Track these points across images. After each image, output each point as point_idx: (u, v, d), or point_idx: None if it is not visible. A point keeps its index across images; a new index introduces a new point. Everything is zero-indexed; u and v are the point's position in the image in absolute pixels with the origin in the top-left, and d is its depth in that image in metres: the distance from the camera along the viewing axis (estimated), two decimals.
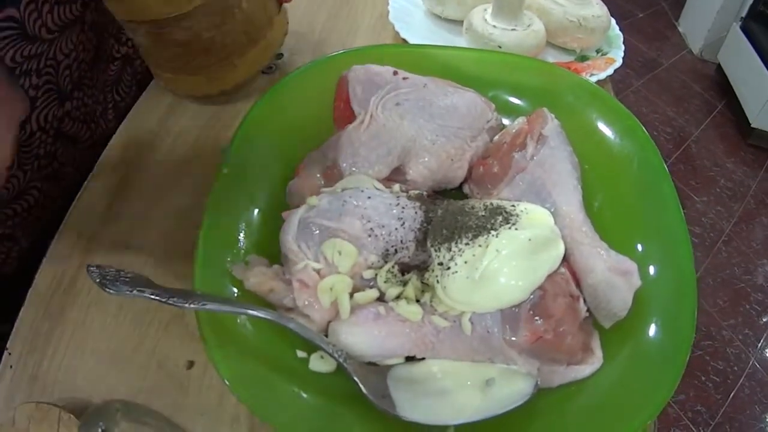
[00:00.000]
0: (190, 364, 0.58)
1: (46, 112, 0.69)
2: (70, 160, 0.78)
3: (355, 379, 0.49)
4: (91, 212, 0.69)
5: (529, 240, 0.51)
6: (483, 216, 0.54)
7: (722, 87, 2.74)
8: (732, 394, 1.81)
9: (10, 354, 0.58)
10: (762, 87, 2.41)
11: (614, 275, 0.53)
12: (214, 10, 0.66)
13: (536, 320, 0.50)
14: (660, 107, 2.69)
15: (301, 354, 0.53)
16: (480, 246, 0.51)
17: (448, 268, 0.51)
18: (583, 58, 0.90)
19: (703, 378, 1.83)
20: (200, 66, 0.73)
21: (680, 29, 3.13)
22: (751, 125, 2.48)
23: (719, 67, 2.76)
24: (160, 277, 0.62)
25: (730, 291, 2.06)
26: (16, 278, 0.67)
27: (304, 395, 0.51)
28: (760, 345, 1.93)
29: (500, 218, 0.54)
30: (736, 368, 1.87)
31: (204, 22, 0.67)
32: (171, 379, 0.57)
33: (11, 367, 0.58)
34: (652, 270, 0.57)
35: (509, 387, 0.50)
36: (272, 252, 0.57)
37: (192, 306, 0.49)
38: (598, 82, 0.84)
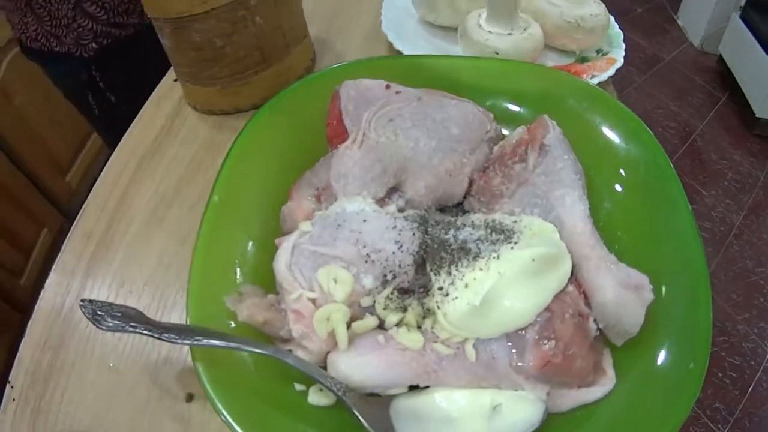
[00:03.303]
0: (190, 397, 0.57)
1: None
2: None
3: (356, 413, 0.47)
4: (88, 240, 0.69)
5: (533, 260, 0.49)
6: (483, 235, 0.52)
7: (725, 78, 2.72)
8: (750, 389, 1.78)
9: (12, 387, 0.58)
10: (765, 76, 2.38)
11: (625, 291, 0.50)
12: (225, 17, 0.71)
13: (544, 344, 0.47)
14: (663, 102, 2.66)
15: (299, 387, 0.51)
16: (481, 269, 0.49)
17: (448, 294, 0.49)
18: (583, 60, 0.88)
19: (720, 375, 1.80)
20: (214, 76, 0.77)
21: (680, 22, 3.10)
22: (756, 115, 2.46)
23: (721, 59, 2.74)
24: (156, 309, 0.62)
25: (743, 284, 2.03)
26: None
27: (304, 430, 0.49)
28: None
29: (501, 237, 0.51)
30: (752, 362, 1.84)
31: (216, 28, 0.72)
32: (171, 412, 0.56)
33: (14, 400, 0.58)
34: (664, 282, 0.55)
35: (517, 414, 0.48)
36: (269, 280, 0.55)
37: (185, 342, 0.48)
38: (600, 83, 0.82)
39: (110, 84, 1.16)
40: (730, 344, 1.88)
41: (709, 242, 2.14)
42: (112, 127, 1.10)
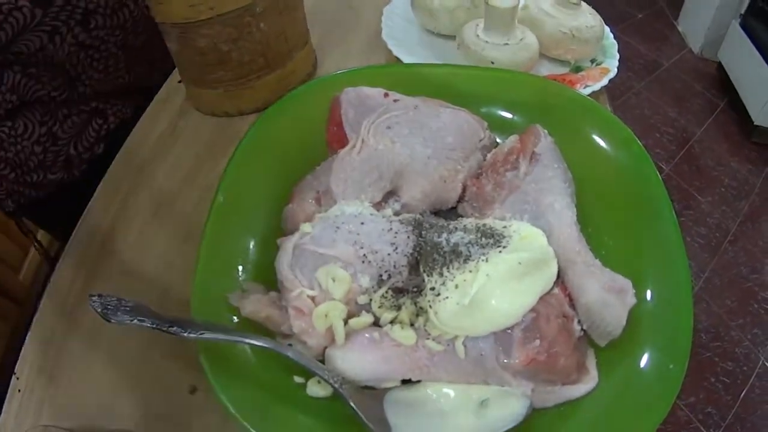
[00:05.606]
0: (193, 389, 0.58)
1: None
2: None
3: (351, 404, 0.49)
4: (92, 239, 0.71)
5: (519, 263, 0.51)
6: (474, 239, 0.54)
7: (724, 85, 2.72)
8: (742, 394, 1.79)
9: (18, 378, 0.60)
10: (764, 84, 2.39)
11: (608, 294, 0.53)
12: (231, 23, 0.73)
13: (529, 342, 0.50)
14: (662, 108, 2.67)
15: (298, 379, 0.54)
16: (470, 271, 0.51)
17: (439, 294, 0.52)
18: (577, 69, 0.90)
19: (713, 380, 1.81)
20: (219, 80, 0.80)
21: (680, 28, 3.11)
22: (754, 123, 2.46)
23: (720, 66, 2.75)
24: (159, 305, 0.64)
25: (738, 291, 2.04)
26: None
27: (303, 420, 0.51)
28: None
29: (491, 241, 0.54)
30: (745, 368, 1.85)
31: (222, 33, 0.74)
32: (175, 404, 0.58)
33: (19, 391, 0.59)
34: (647, 287, 0.57)
35: (504, 408, 0.50)
36: (271, 278, 0.58)
37: (191, 335, 0.50)
38: (594, 92, 0.84)
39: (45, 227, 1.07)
40: (723, 349, 1.89)
41: (704, 248, 2.15)
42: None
